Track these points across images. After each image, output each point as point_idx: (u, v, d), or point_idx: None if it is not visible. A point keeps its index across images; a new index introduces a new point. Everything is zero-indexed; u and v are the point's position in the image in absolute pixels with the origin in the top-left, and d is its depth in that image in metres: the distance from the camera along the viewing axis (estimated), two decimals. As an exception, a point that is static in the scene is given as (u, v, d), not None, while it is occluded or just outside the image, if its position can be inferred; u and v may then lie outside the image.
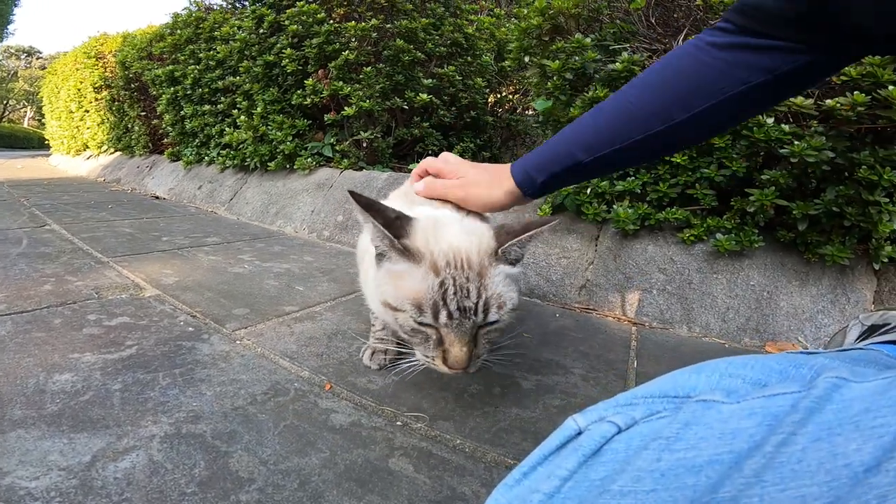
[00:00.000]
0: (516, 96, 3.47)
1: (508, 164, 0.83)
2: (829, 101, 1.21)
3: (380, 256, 0.65)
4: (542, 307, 1.38)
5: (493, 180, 0.81)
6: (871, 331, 0.86)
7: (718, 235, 1.32)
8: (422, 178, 0.85)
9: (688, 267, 1.36)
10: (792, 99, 1.26)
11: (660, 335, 1.23)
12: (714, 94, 0.66)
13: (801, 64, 0.60)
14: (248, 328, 1.05)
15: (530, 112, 3.48)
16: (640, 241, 1.45)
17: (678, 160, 1.34)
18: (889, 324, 0.83)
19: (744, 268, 1.31)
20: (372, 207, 0.61)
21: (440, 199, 0.85)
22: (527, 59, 1.56)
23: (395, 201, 0.93)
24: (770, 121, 1.25)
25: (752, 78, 0.62)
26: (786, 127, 1.25)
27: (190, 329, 1.03)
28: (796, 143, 1.19)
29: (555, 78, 1.48)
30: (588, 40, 1.43)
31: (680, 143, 0.80)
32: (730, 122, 0.75)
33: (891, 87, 1.08)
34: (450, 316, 0.59)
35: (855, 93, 1.12)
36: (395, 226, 0.62)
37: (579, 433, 0.33)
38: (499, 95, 3.42)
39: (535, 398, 0.84)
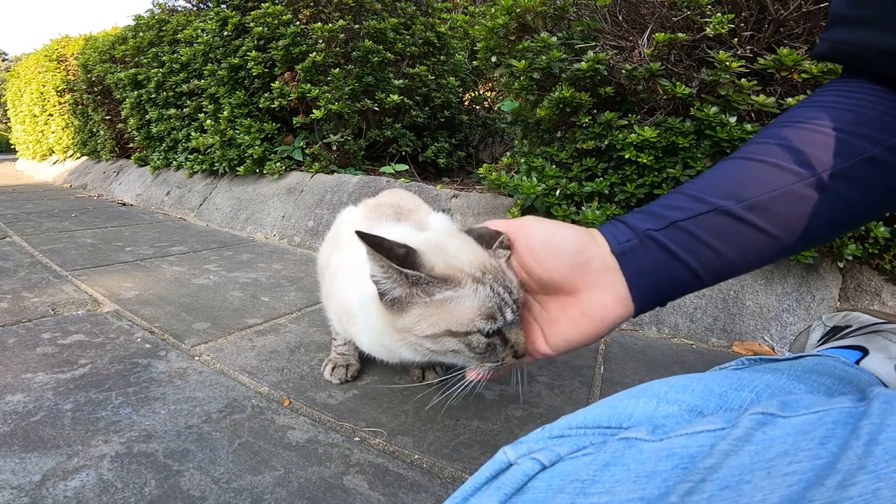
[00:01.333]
0: (492, 94, 3.47)
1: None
2: (790, 100, 1.23)
3: (394, 300, 0.60)
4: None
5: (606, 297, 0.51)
6: (833, 332, 0.86)
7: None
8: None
9: (656, 265, 1.37)
10: (754, 97, 1.28)
11: (629, 337, 1.22)
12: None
13: None
14: (208, 343, 1.02)
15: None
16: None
17: (644, 160, 1.35)
18: (850, 325, 0.83)
19: (710, 267, 1.33)
20: (382, 247, 0.57)
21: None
22: (494, 58, 1.55)
23: (363, 212, 0.92)
24: (733, 120, 1.26)
25: None
26: (748, 126, 1.27)
27: (147, 346, 1.00)
28: (758, 141, 1.21)
29: (522, 78, 1.48)
30: (554, 39, 1.43)
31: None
32: None
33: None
34: (513, 311, 0.59)
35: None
36: (414, 262, 0.58)
37: (508, 466, 0.32)
38: (476, 94, 3.41)
39: (498, 409, 0.82)
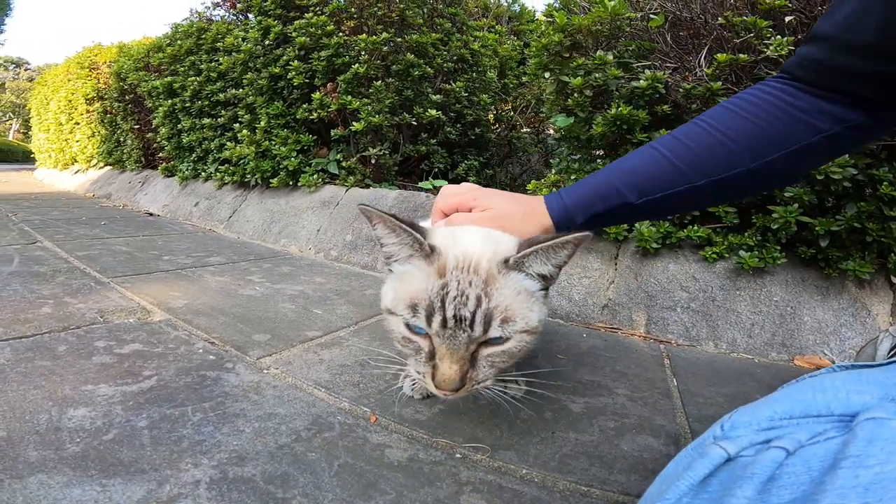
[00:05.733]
0: (515, 114, 3.49)
1: (542, 196, 0.78)
2: (852, 120, 1.22)
3: (392, 266, 0.63)
4: (568, 328, 1.34)
5: (527, 215, 0.74)
6: None
7: (741, 252, 1.31)
8: (446, 213, 0.75)
9: (711, 284, 1.35)
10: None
11: (688, 353, 1.22)
12: (783, 146, 0.65)
13: (861, 120, 0.61)
14: (274, 356, 0.99)
15: (525, 130, 3.50)
16: (661, 259, 1.43)
17: (702, 178, 1.33)
18: None
19: (766, 284, 1.31)
20: (390, 215, 0.59)
21: None
22: (547, 75, 1.55)
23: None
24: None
25: (819, 131, 0.63)
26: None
27: (211, 357, 0.97)
28: (822, 161, 1.20)
29: (575, 94, 1.47)
30: (610, 57, 1.43)
31: (739, 192, 0.79)
32: (788, 175, 0.75)
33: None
34: (443, 323, 0.53)
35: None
36: (418, 228, 0.60)
37: (728, 459, 0.34)
38: (501, 112, 3.43)
39: (589, 421, 0.81)
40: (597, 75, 1.45)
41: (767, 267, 1.31)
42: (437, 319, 0.53)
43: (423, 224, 0.77)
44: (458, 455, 0.69)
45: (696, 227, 1.36)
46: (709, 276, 1.36)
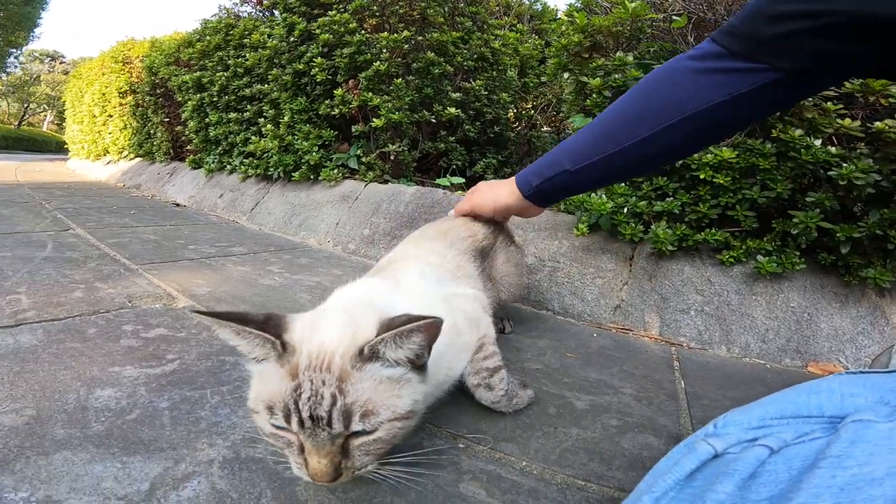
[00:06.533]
0: (535, 112, 3.48)
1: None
2: (877, 124, 1.20)
3: (248, 366, 0.59)
4: (578, 327, 1.35)
5: (498, 184, 0.95)
6: None
7: (759, 257, 1.30)
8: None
9: (726, 288, 1.34)
10: (839, 121, 1.25)
11: (699, 356, 1.22)
12: (679, 112, 0.70)
13: (775, 84, 0.64)
14: (290, 343, 1.03)
15: (545, 129, 3.49)
16: (677, 262, 1.43)
17: (720, 181, 1.32)
18: None
19: (783, 289, 1.30)
20: (232, 318, 0.54)
21: (467, 215, 1.06)
22: (566, 75, 1.56)
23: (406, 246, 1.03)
24: (818, 143, 1.24)
25: (718, 97, 0.67)
26: (833, 149, 1.24)
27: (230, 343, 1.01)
28: (844, 165, 1.18)
29: (594, 95, 1.47)
30: (630, 58, 1.43)
31: (642, 163, 0.86)
32: (687, 143, 0.79)
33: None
34: (301, 423, 0.52)
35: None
36: (270, 325, 0.56)
37: (715, 456, 0.36)
38: (520, 110, 3.43)
39: (593, 418, 0.82)
40: (616, 76, 1.45)
41: (786, 272, 1.30)
42: (294, 420, 0.52)
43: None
44: (460, 445, 0.71)
45: (713, 231, 1.35)
46: (725, 279, 1.36)
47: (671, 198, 1.40)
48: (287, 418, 0.52)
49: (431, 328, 0.55)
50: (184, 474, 0.59)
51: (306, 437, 0.52)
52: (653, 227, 1.40)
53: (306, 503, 0.57)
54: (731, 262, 1.35)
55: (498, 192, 0.94)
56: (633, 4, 1.43)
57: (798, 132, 1.25)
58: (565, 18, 1.67)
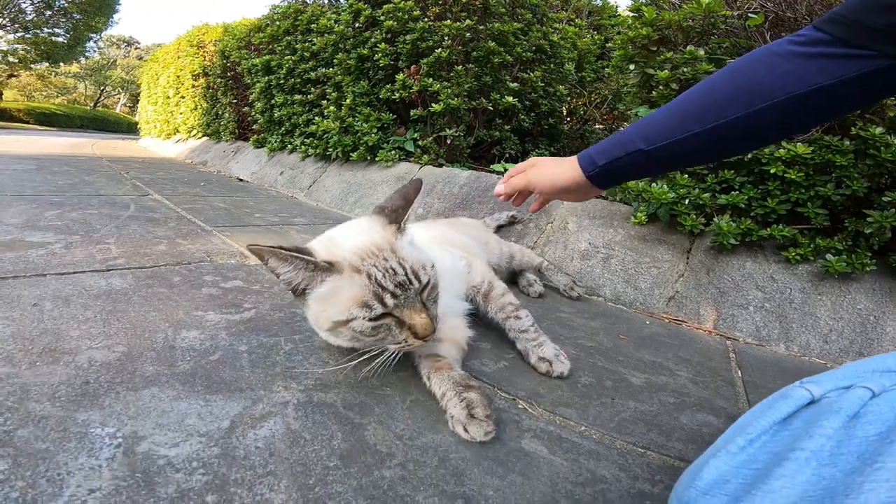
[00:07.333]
0: (590, 107, 3.44)
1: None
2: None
3: (301, 294, 0.69)
4: (630, 314, 1.35)
5: (559, 161, 0.91)
6: None
7: (829, 256, 1.26)
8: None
9: (790, 286, 1.30)
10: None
11: (756, 351, 1.20)
12: (775, 95, 0.67)
13: (887, 69, 0.61)
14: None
15: (598, 126, 3.44)
16: (738, 256, 1.39)
17: (792, 176, 1.28)
18: None
19: (850, 291, 1.25)
20: (278, 248, 0.64)
21: (516, 190, 0.96)
22: (632, 67, 1.55)
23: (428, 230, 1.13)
24: (900, 140, 1.18)
25: (823, 80, 0.64)
26: (917, 147, 1.18)
27: (300, 296, 1.09)
28: (928, 165, 1.12)
29: (661, 87, 1.46)
30: (701, 52, 1.41)
31: (725, 146, 0.82)
32: (779, 128, 0.75)
33: None
34: (394, 296, 0.64)
35: None
36: (306, 252, 0.66)
37: (812, 402, 0.36)
38: (575, 105, 3.40)
39: (649, 394, 0.83)
40: (685, 69, 1.43)
41: (855, 273, 1.25)
42: (388, 298, 0.64)
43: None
44: (520, 406, 0.74)
45: (781, 227, 1.31)
46: (789, 277, 1.32)
47: (737, 191, 1.37)
48: (381, 300, 0.63)
49: (418, 184, 0.75)
50: (261, 414, 0.61)
51: (402, 304, 0.65)
52: (715, 219, 1.38)
53: (375, 446, 0.59)
54: (797, 259, 1.31)
55: (558, 171, 0.88)
56: (707, 0, 1.41)
57: (879, 130, 1.20)
58: (628, 14, 1.66)
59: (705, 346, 1.16)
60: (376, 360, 0.69)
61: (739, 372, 1.02)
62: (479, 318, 0.96)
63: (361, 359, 0.70)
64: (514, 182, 0.95)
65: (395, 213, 0.71)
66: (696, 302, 1.37)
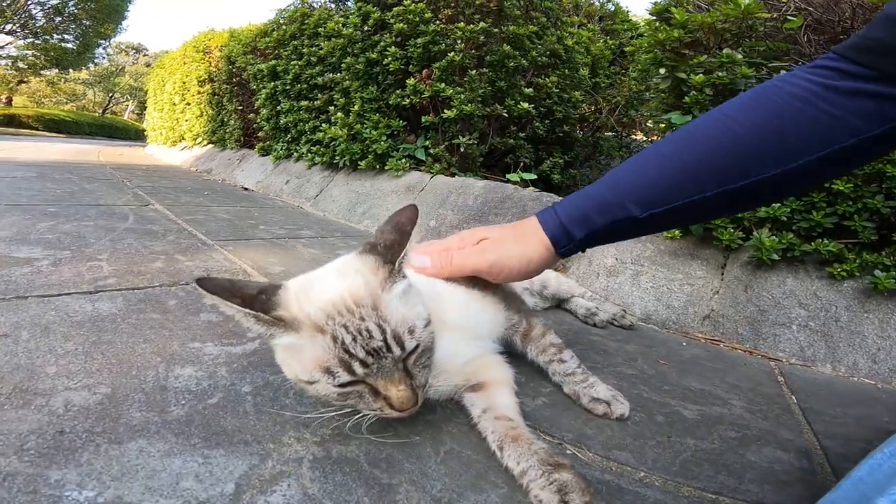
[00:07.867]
0: (604, 114, 3.35)
1: (532, 217, 0.72)
2: None
3: (271, 343, 0.59)
4: (664, 335, 1.25)
5: (518, 236, 0.70)
6: None
7: (877, 272, 1.16)
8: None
9: (835, 304, 1.21)
10: None
11: (803, 372, 1.11)
12: (821, 147, 0.55)
13: None
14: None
15: (609, 133, 3.35)
16: (778, 273, 1.30)
17: (839, 187, 1.19)
18: None
19: (899, 309, 1.15)
20: (223, 290, 0.53)
21: (462, 276, 0.73)
22: (662, 71, 1.46)
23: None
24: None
25: (871, 128, 0.52)
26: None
27: (310, 319, 1.00)
28: None
29: (694, 92, 1.37)
30: (739, 56, 1.32)
31: (758, 200, 0.69)
32: (821, 179, 0.66)
33: None
34: (364, 364, 0.53)
35: None
36: (259, 301, 0.55)
37: None
38: (587, 112, 3.31)
39: (707, 429, 0.74)
40: (720, 73, 1.35)
41: (904, 290, 1.15)
42: (356, 366, 0.53)
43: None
44: (568, 451, 0.64)
45: (825, 241, 1.21)
46: (833, 294, 1.22)
47: (779, 204, 1.28)
48: (348, 368, 0.53)
49: (413, 211, 0.64)
50: (271, 474, 0.52)
51: (374, 374, 0.54)
52: (755, 233, 1.28)
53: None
54: (842, 275, 1.21)
55: (527, 250, 0.68)
56: (747, 1, 1.32)
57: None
58: (648, 18, 1.58)
59: (750, 370, 1.06)
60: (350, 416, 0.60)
61: (794, 397, 0.93)
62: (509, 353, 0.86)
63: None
64: (460, 264, 0.72)
65: (389, 252, 0.58)
66: (733, 321, 1.27)
